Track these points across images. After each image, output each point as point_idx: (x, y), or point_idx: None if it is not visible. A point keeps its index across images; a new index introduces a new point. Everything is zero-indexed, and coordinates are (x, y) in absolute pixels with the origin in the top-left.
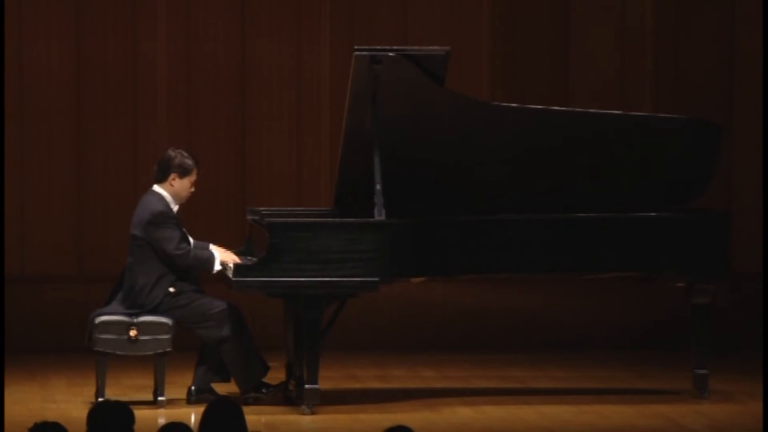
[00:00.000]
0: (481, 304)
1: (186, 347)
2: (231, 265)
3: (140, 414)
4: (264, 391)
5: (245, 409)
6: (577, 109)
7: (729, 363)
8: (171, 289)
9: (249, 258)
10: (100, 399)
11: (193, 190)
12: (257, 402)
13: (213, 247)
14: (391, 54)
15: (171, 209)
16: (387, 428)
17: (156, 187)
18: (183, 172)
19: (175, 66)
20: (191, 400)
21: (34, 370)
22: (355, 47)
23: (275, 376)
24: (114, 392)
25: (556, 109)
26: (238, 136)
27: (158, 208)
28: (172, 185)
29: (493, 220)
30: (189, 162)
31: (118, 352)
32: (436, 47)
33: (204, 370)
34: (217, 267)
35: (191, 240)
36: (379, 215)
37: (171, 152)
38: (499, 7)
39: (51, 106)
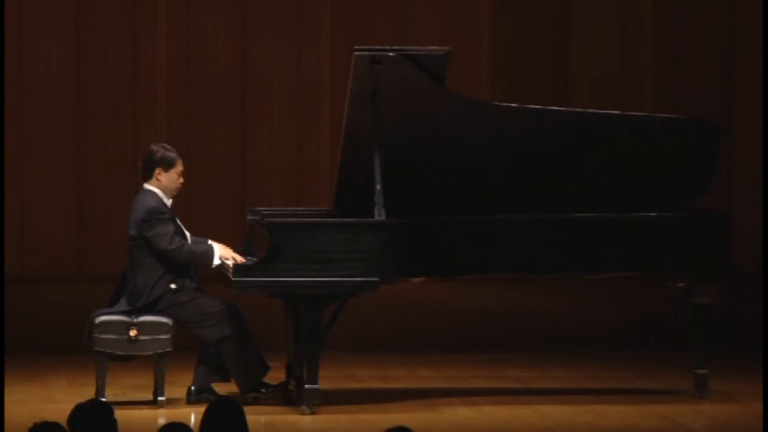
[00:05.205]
0: (481, 304)
1: (186, 347)
2: (230, 263)
3: (140, 414)
4: (264, 391)
5: (245, 408)
6: (577, 109)
7: (729, 363)
8: (172, 286)
9: (249, 258)
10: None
11: (182, 181)
12: (257, 402)
13: (212, 243)
14: (391, 54)
15: (164, 204)
16: (387, 429)
17: (146, 185)
18: (167, 165)
19: (175, 66)
20: (191, 400)
21: (34, 370)
22: (355, 47)
23: (275, 376)
24: (114, 392)
25: (556, 109)
26: (238, 136)
27: (151, 204)
28: (159, 180)
29: (493, 220)
30: (171, 154)
31: (118, 352)
32: (436, 47)
33: (204, 370)
34: (216, 261)
35: (188, 234)
36: (379, 215)
37: (153, 147)
38: (499, 7)
39: (51, 106)
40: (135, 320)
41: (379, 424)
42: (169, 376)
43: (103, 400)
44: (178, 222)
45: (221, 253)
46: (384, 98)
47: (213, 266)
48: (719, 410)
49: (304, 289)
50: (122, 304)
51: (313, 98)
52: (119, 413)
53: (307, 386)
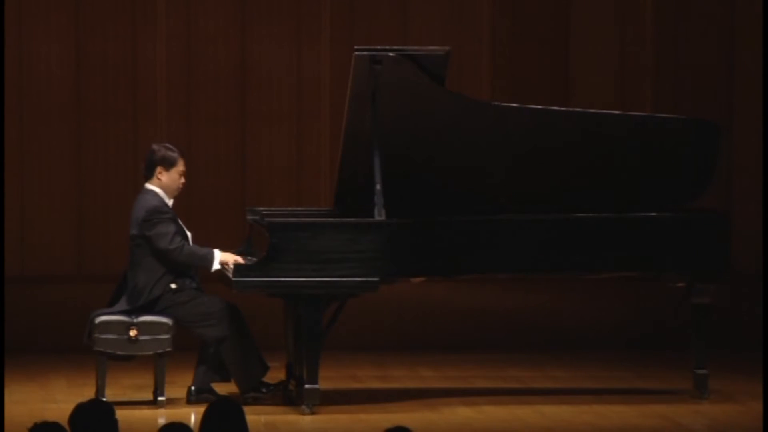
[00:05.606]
0: (481, 304)
1: (186, 347)
2: (231, 266)
3: (140, 414)
4: (264, 390)
5: (245, 409)
6: (577, 109)
7: (729, 363)
8: (172, 286)
9: (249, 258)
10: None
11: (183, 181)
12: (257, 402)
13: (215, 250)
14: (391, 54)
15: (165, 204)
16: (387, 429)
17: (147, 185)
18: (168, 165)
19: (175, 66)
20: (191, 400)
21: (34, 370)
22: (355, 47)
23: (275, 375)
24: (114, 392)
25: (556, 109)
26: (238, 136)
27: (152, 204)
28: (160, 179)
29: (493, 221)
30: (172, 153)
31: (118, 352)
32: (436, 47)
33: (204, 370)
34: (216, 266)
35: (189, 234)
36: (379, 215)
37: (154, 147)
38: (499, 7)
39: (51, 106)
40: (135, 320)
41: (379, 424)
42: (169, 376)
43: (104, 399)
44: (180, 222)
45: (222, 259)
46: (384, 98)
47: (212, 271)
48: (719, 410)
49: (304, 289)
50: (122, 304)
51: (313, 98)
52: (119, 413)
53: (307, 386)
